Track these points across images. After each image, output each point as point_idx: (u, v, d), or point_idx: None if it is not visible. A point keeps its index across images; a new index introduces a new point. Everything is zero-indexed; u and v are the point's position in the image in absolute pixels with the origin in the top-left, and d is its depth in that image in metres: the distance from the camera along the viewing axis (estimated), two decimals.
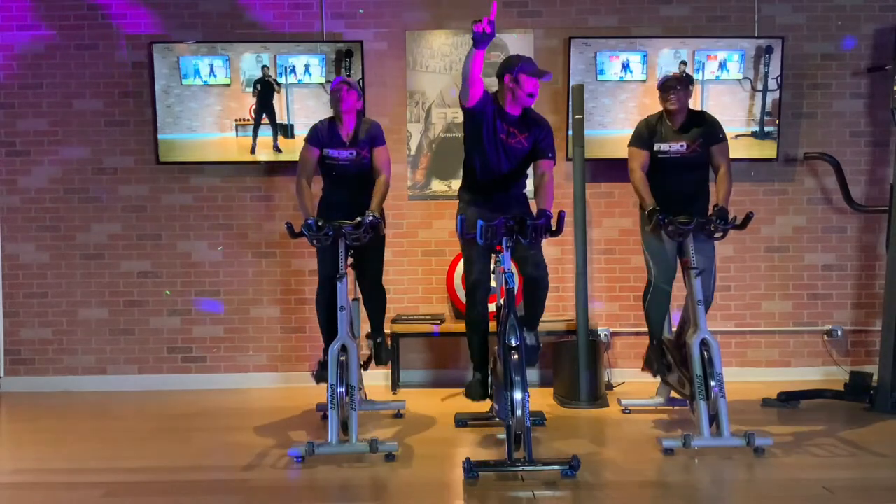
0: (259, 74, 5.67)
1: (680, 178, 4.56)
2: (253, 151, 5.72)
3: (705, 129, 4.61)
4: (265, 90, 5.68)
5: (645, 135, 4.61)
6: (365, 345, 5.04)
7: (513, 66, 4.31)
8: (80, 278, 5.91)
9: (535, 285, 4.50)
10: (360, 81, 5.61)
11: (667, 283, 4.63)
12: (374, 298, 4.83)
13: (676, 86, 4.53)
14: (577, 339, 5.21)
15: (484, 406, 4.63)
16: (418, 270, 5.92)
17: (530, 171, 4.56)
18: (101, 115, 5.88)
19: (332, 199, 4.71)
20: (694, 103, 5.24)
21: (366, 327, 4.96)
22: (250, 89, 5.68)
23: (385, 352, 4.91)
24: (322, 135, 4.65)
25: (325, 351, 4.46)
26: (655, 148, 4.58)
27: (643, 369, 4.91)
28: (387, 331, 5.12)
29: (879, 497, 3.52)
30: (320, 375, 4.58)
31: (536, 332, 4.60)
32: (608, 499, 3.49)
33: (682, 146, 4.57)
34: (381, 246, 4.77)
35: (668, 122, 4.61)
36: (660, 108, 4.66)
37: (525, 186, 4.61)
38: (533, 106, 4.44)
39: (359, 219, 4.34)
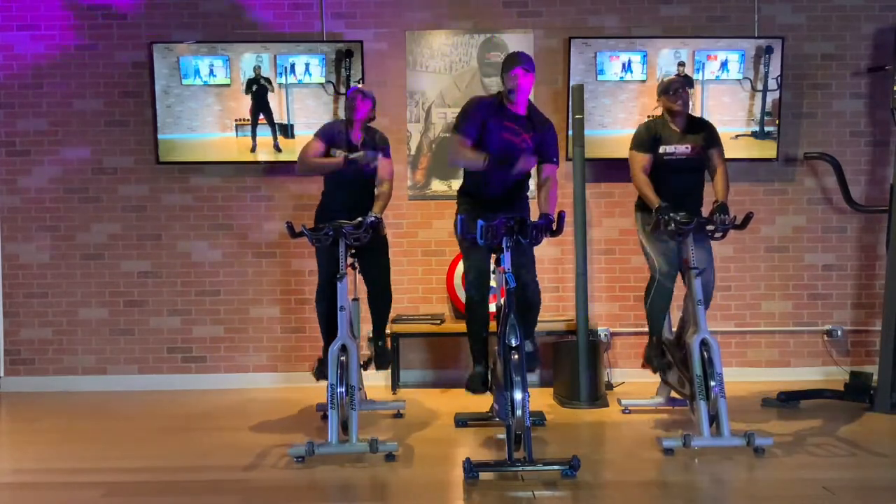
0: (254, 75, 5.67)
1: (682, 178, 4.65)
2: (253, 150, 5.72)
3: (706, 132, 4.71)
4: (259, 91, 5.67)
5: (646, 139, 4.65)
6: (365, 345, 5.04)
7: (507, 67, 4.38)
8: (80, 278, 5.91)
9: (524, 293, 4.34)
10: (360, 81, 5.61)
11: (670, 279, 4.64)
12: (380, 302, 4.84)
13: (680, 88, 4.63)
14: (577, 339, 5.22)
15: (484, 406, 4.63)
16: (418, 270, 5.91)
17: (533, 172, 4.56)
18: (101, 115, 5.87)
19: (331, 201, 4.72)
20: (694, 103, 5.25)
21: (367, 327, 4.96)
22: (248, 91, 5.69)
23: (386, 355, 4.94)
24: (333, 133, 4.71)
25: (325, 349, 4.47)
26: (661, 150, 4.63)
27: (643, 366, 4.93)
28: (387, 331, 5.11)
29: (879, 497, 3.52)
30: (320, 372, 4.60)
31: (533, 338, 4.61)
32: (608, 499, 3.49)
33: (686, 148, 4.64)
34: (385, 249, 4.79)
35: (671, 126, 4.65)
36: (658, 110, 4.69)
37: (528, 188, 4.62)
38: (531, 99, 4.47)
39: (359, 219, 4.36)
